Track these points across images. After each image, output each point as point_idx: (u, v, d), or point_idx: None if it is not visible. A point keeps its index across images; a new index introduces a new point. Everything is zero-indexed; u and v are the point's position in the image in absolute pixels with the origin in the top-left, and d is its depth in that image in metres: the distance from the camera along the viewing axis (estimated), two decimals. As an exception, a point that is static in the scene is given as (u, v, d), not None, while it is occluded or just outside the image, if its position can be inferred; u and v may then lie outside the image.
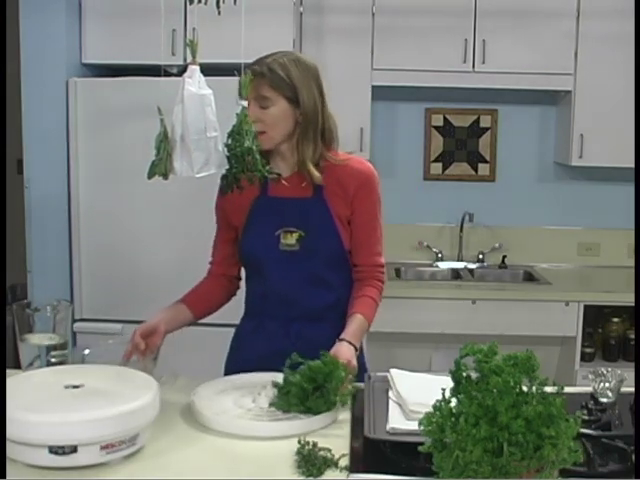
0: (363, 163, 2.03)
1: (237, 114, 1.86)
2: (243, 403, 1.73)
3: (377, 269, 2.03)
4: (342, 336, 1.88)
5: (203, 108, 1.78)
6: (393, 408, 1.68)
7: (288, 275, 1.97)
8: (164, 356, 1.87)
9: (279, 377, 1.74)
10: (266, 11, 3.23)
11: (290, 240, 1.96)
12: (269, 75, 1.88)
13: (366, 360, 2.11)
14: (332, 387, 1.67)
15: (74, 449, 1.40)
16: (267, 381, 1.76)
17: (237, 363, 2.04)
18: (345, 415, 1.71)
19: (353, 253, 2.01)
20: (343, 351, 1.83)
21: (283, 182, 1.97)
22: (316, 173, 1.94)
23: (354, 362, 1.83)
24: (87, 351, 1.86)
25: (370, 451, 1.53)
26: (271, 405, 1.70)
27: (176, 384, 1.90)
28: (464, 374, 1.26)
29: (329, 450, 1.49)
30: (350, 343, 1.87)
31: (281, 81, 1.89)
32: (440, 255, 4.08)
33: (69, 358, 1.82)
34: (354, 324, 1.92)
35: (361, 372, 1.94)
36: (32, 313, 1.86)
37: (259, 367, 1.89)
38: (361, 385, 1.85)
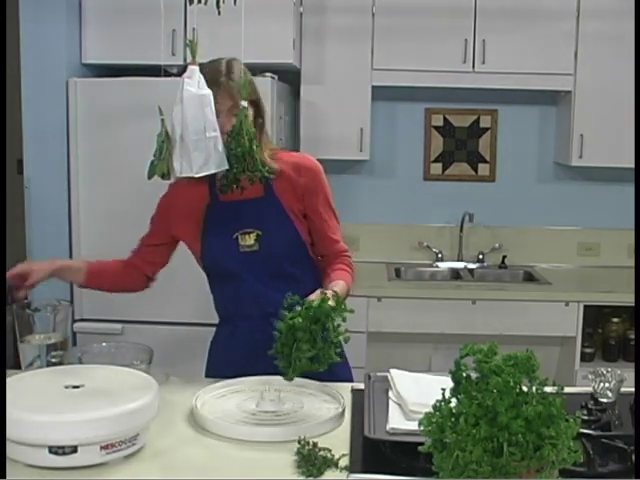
0: (307, 158, 2.08)
1: (237, 114, 1.86)
2: (246, 407, 1.73)
3: (342, 254, 2.09)
4: (333, 287, 1.91)
5: (202, 108, 1.78)
6: (393, 408, 1.68)
7: (254, 274, 2.00)
8: (158, 357, 1.86)
9: (280, 379, 1.74)
10: (266, 11, 3.23)
11: (249, 241, 1.99)
12: (239, 82, 1.90)
13: (360, 359, 2.15)
14: (336, 326, 1.69)
15: (74, 449, 1.40)
16: (271, 384, 1.76)
17: (219, 368, 2.06)
18: (345, 415, 1.71)
19: (315, 245, 2.08)
20: (339, 288, 1.90)
21: (233, 186, 1.97)
22: (275, 165, 1.99)
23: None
24: (81, 353, 1.86)
25: (370, 451, 1.53)
26: (276, 354, 1.69)
27: (168, 384, 1.90)
28: (464, 374, 1.26)
29: (329, 450, 1.49)
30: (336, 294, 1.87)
31: (248, 86, 1.92)
32: (440, 255, 4.08)
33: (64, 360, 1.82)
34: (336, 284, 1.95)
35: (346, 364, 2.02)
36: (32, 313, 1.86)
37: (243, 367, 1.91)
38: (360, 385, 1.85)
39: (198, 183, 1.96)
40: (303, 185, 2.02)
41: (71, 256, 3.36)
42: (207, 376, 2.09)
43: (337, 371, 1.92)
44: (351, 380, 2.07)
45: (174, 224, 2.07)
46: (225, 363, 2.06)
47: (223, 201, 2.01)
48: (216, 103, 1.86)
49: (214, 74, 1.89)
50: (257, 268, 2.00)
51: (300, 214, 2.03)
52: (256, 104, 1.97)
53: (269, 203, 2.00)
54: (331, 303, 1.74)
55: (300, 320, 1.67)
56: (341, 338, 1.71)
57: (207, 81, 1.86)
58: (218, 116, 1.87)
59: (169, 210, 2.07)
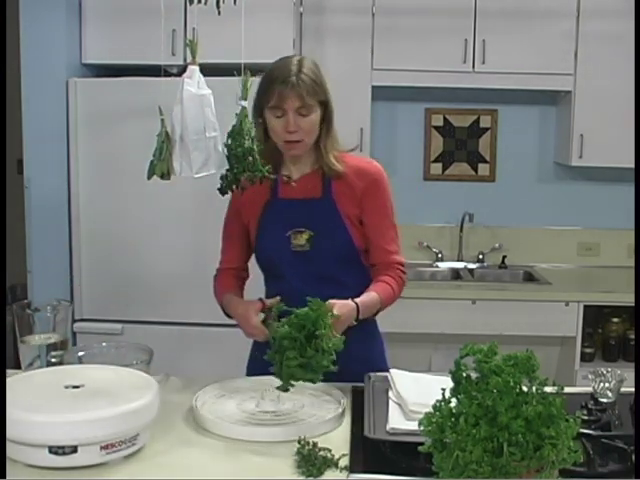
0: (373, 164, 2.05)
1: (237, 114, 1.86)
2: (246, 407, 1.73)
3: (395, 265, 2.04)
4: (355, 299, 1.89)
5: (202, 108, 1.78)
6: (393, 408, 1.68)
7: (302, 275, 1.99)
8: (158, 357, 1.86)
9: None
10: (266, 11, 3.23)
11: (300, 240, 1.98)
12: (310, 83, 1.90)
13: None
14: (324, 334, 1.66)
15: (74, 449, 1.40)
16: (270, 385, 1.76)
17: (261, 367, 2.03)
18: (345, 415, 1.71)
19: (369, 253, 2.04)
20: (343, 307, 1.83)
21: (292, 184, 2.00)
22: (339, 167, 1.98)
23: (340, 318, 1.79)
24: (81, 353, 1.86)
25: (370, 451, 1.53)
26: (269, 358, 1.68)
27: (169, 384, 1.90)
28: (464, 374, 1.26)
29: (329, 450, 1.49)
30: (357, 307, 1.87)
31: (318, 87, 1.92)
32: (440, 255, 4.08)
33: (64, 360, 1.82)
34: (368, 296, 1.93)
35: (381, 364, 2.01)
36: (32, 313, 1.86)
37: None
38: (360, 385, 1.85)
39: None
40: (362, 190, 1.99)
41: (71, 256, 3.37)
42: (248, 374, 2.05)
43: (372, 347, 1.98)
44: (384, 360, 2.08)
45: (242, 212, 2.07)
46: (267, 362, 2.03)
47: (281, 198, 2.01)
48: (283, 102, 1.86)
49: (284, 72, 1.89)
50: (305, 269, 1.98)
51: (356, 219, 2.00)
52: (325, 105, 1.95)
53: (325, 205, 1.98)
54: (335, 312, 1.74)
55: (286, 328, 1.68)
56: (331, 345, 1.67)
57: (276, 78, 1.87)
58: (283, 116, 1.88)
59: (237, 205, 2.07)
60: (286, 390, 1.70)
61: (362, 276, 2.03)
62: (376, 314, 2.00)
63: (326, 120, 1.98)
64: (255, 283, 2.15)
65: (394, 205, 2.06)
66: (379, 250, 2.03)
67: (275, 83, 1.88)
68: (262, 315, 1.89)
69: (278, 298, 1.89)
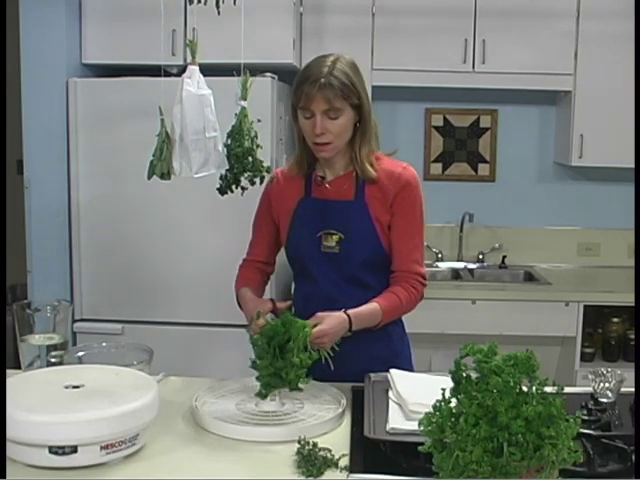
0: (406, 168, 2.00)
1: (237, 114, 1.86)
2: (246, 407, 1.73)
3: (413, 276, 1.99)
4: (348, 310, 1.87)
5: (202, 108, 1.78)
6: (393, 408, 1.68)
7: (330, 276, 1.98)
8: (158, 357, 1.87)
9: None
10: (266, 11, 3.23)
11: (330, 242, 1.97)
12: (338, 86, 1.86)
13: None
14: (293, 347, 1.67)
15: (74, 449, 1.40)
16: None
17: None
18: (345, 415, 1.71)
19: (391, 259, 2.00)
20: (331, 319, 1.81)
21: (326, 185, 1.98)
22: (372, 172, 1.95)
23: (328, 332, 1.78)
24: (81, 353, 1.86)
25: (370, 451, 1.53)
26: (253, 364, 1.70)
27: (169, 384, 1.90)
28: (464, 374, 1.26)
29: (329, 450, 1.49)
30: (348, 318, 1.85)
31: (349, 90, 1.88)
32: (440, 255, 4.08)
33: (64, 360, 1.82)
34: (365, 307, 1.91)
35: (405, 362, 2.01)
36: (32, 313, 1.86)
37: None
38: (360, 385, 1.85)
39: (296, 176, 2.00)
40: (394, 196, 1.95)
41: (71, 256, 3.37)
42: None
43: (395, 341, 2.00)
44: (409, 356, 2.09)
45: (273, 207, 2.06)
46: None
47: (314, 198, 2.00)
48: (310, 104, 1.84)
49: (315, 72, 1.86)
50: (334, 271, 1.97)
51: (386, 224, 1.97)
52: (359, 108, 1.91)
53: (356, 208, 1.96)
54: (324, 325, 1.75)
55: (257, 337, 1.70)
56: (297, 360, 1.67)
57: (307, 78, 1.84)
58: (312, 117, 1.86)
59: (269, 198, 2.06)
60: (264, 397, 1.72)
61: (389, 280, 2.01)
62: (379, 325, 1.95)
63: (361, 124, 1.94)
64: (282, 281, 2.14)
65: (425, 214, 2.02)
66: (401, 257, 1.99)
67: (305, 83, 1.86)
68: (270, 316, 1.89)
69: (289, 303, 1.89)
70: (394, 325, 2.03)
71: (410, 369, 1.98)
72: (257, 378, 1.73)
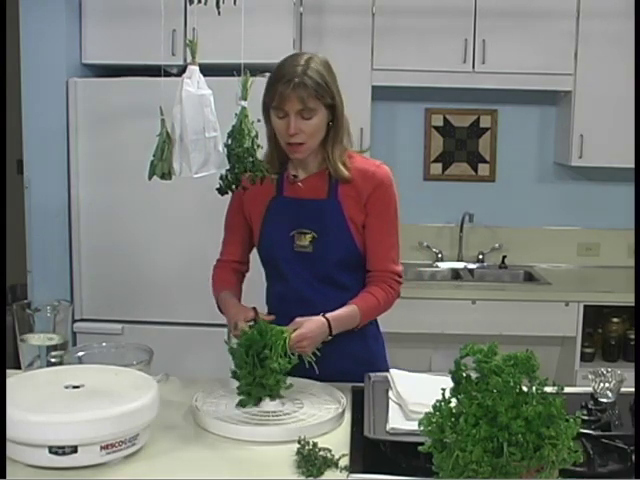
0: (379, 166, 2.00)
1: (237, 114, 1.86)
2: (246, 408, 1.73)
3: (390, 275, 1.99)
4: (326, 314, 1.87)
5: (202, 108, 1.78)
6: (393, 408, 1.68)
7: (302, 276, 1.97)
8: (158, 357, 1.87)
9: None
10: (266, 11, 3.23)
11: (304, 242, 1.96)
12: (313, 85, 1.84)
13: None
14: (271, 354, 1.68)
15: (74, 449, 1.40)
16: None
17: None
18: (345, 415, 1.71)
19: (367, 259, 1.99)
20: (311, 324, 1.81)
21: (299, 184, 1.97)
22: (345, 171, 1.94)
23: (308, 336, 1.79)
24: (81, 353, 1.86)
25: (370, 451, 1.53)
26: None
27: (169, 384, 1.90)
28: (464, 374, 1.26)
29: (329, 450, 1.49)
30: (327, 322, 1.85)
31: (323, 90, 1.86)
32: (440, 255, 4.08)
33: (64, 360, 1.82)
34: (343, 309, 1.91)
35: (381, 364, 2.01)
36: (32, 313, 1.86)
37: None
38: (360, 385, 1.85)
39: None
40: (368, 195, 1.94)
41: (71, 256, 3.37)
42: None
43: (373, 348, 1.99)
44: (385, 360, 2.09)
45: (245, 205, 2.05)
46: None
47: (287, 196, 1.99)
48: (284, 104, 1.83)
49: (289, 71, 1.84)
50: (307, 270, 1.96)
51: (360, 224, 1.96)
52: (332, 108, 1.90)
53: (330, 207, 1.95)
54: (303, 329, 1.76)
55: (235, 346, 1.71)
56: (276, 365, 1.67)
57: (281, 77, 1.83)
58: (285, 117, 1.84)
59: (240, 197, 2.04)
60: (244, 406, 1.72)
61: (364, 279, 2.01)
62: (358, 326, 1.95)
63: (334, 123, 1.93)
64: (258, 280, 2.14)
65: (399, 212, 2.01)
66: (376, 255, 1.98)
67: (279, 82, 1.84)
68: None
69: (273, 317, 1.87)
70: (369, 325, 2.02)
71: (386, 368, 1.98)
72: (237, 388, 1.73)
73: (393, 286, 1.99)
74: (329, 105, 1.89)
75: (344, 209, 1.95)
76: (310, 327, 1.81)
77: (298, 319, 1.81)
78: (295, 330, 1.78)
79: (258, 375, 1.70)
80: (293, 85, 1.82)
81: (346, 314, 1.91)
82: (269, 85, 1.88)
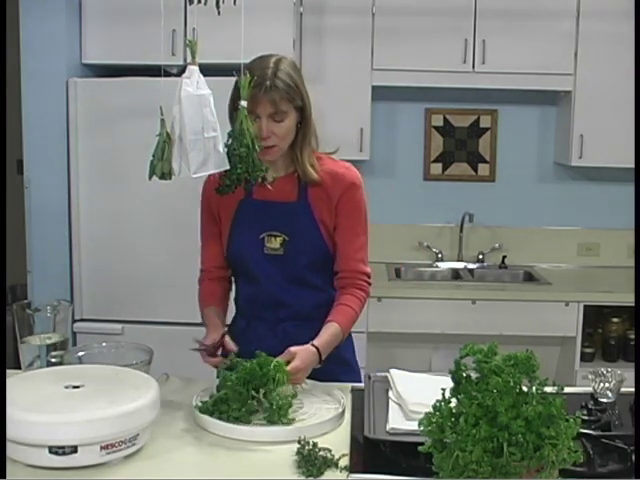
0: (349, 168, 2.00)
1: (237, 114, 1.86)
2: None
3: (359, 276, 1.99)
4: (314, 342, 1.85)
5: (201, 108, 1.77)
6: (393, 408, 1.68)
7: (274, 278, 1.97)
8: (158, 357, 1.86)
9: None
10: (266, 11, 3.23)
11: (274, 244, 1.96)
12: (284, 88, 1.84)
13: (360, 359, 2.14)
14: (271, 389, 1.66)
15: (74, 449, 1.40)
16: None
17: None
18: (345, 415, 1.71)
19: (336, 259, 1.99)
20: (304, 355, 1.79)
21: (268, 186, 1.94)
22: (314, 174, 1.95)
23: (302, 368, 1.77)
24: (81, 353, 1.86)
25: (370, 451, 1.53)
26: (212, 405, 1.67)
27: (168, 384, 1.90)
28: (464, 374, 1.26)
29: (329, 450, 1.49)
30: (318, 351, 1.84)
31: (294, 92, 1.87)
32: (440, 255, 4.08)
33: (64, 360, 1.82)
34: (327, 333, 1.89)
35: (353, 372, 2.01)
36: (32, 313, 1.86)
37: None
38: (360, 385, 1.85)
39: None
40: (338, 196, 1.95)
41: (71, 256, 3.37)
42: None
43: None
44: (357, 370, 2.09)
45: (215, 209, 2.05)
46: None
47: (256, 199, 1.98)
48: (256, 107, 1.82)
49: (260, 75, 1.83)
50: (277, 272, 1.96)
51: (331, 225, 1.96)
52: (301, 109, 1.90)
53: (300, 209, 1.95)
54: (298, 362, 1.74)
55: (231, 379, 1.67)
56: (274, 404, 1.64)
57: (254, 80, 1.81)
58: (256, 120, 1.83)
59: (209, 201, 2.05)
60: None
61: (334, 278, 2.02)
62: (341, 342, 1.94)
63: (302, 125, 1.93)
64: None
65: (368, 214, 2.02)
66: (345, 256, 1.98)
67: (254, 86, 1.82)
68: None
69: (236, 349, 1.84)
70: None
71: (355, 363, 2.05)
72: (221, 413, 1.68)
73: (363, 288, 2.00)
74: (299, 107, 1.90)
75: (314, 212, 1.95)
76: (304, 358, 1.78)
77: (291, 349, 1.78)
78: (289, 362, 1.75)
79: (249, 408, 1.66)
80: (264, 88, 1.82)
81: (331, 337, 1.89)
82: (239, 88, 1.85)
